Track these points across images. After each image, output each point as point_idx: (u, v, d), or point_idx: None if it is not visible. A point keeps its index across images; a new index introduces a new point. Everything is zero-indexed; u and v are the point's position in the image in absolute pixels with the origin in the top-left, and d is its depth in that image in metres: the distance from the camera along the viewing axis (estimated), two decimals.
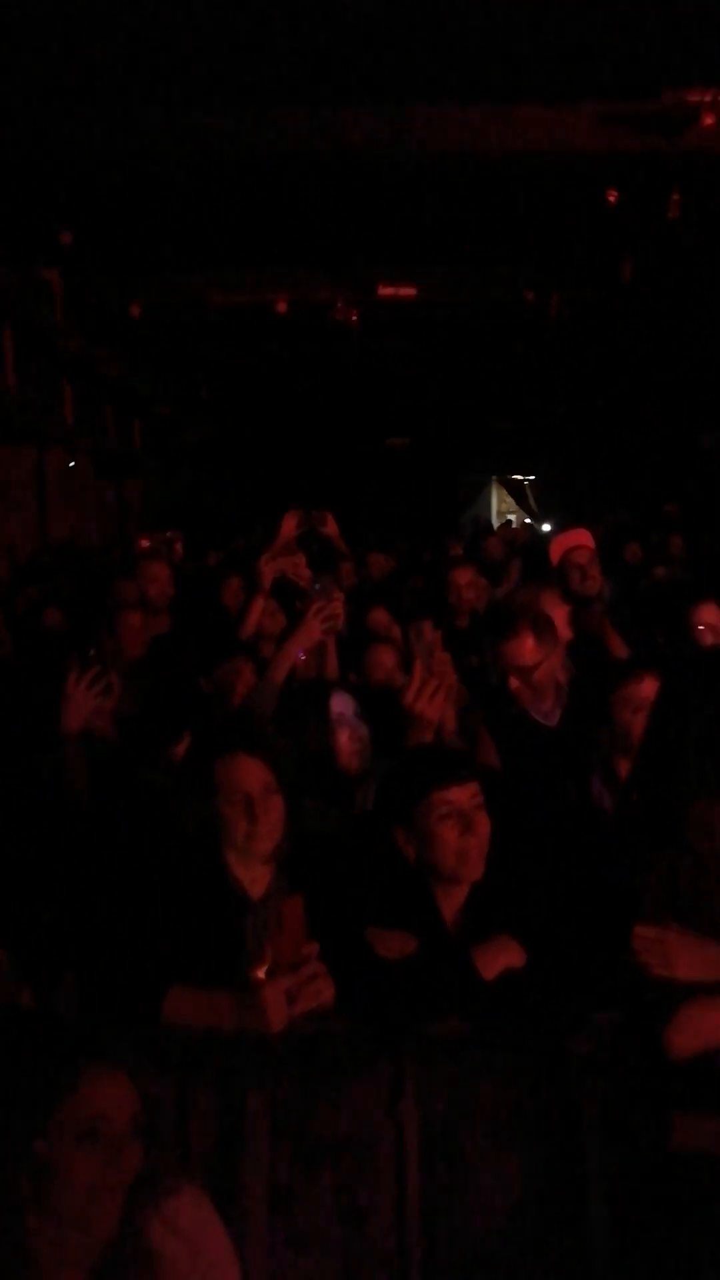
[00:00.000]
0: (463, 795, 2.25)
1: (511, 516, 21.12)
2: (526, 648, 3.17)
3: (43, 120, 6.41)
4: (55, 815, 3.09)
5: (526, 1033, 2.00)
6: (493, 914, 2.23)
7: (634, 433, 17.00)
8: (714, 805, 1.96)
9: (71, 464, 13.01)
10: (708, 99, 6.17)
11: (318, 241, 9.00)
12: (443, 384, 16.05)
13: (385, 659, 3.88)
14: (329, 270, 10.41)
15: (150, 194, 7.78)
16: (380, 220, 8.47)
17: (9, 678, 4.50)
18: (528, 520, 20.11)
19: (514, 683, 3.17)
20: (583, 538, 4.66)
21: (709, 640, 3.74)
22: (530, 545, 9.22)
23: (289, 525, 4.06)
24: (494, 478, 22.82)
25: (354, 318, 11.30)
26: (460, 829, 2.23)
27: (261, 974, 2.00)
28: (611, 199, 7.59)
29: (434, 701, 2.65)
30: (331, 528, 4.62)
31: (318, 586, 3.91)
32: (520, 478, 22.42)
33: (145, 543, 9.70)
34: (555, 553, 4.62)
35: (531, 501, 22.02)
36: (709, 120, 6.24)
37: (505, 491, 23.14)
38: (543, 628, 3.23)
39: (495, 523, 18.95)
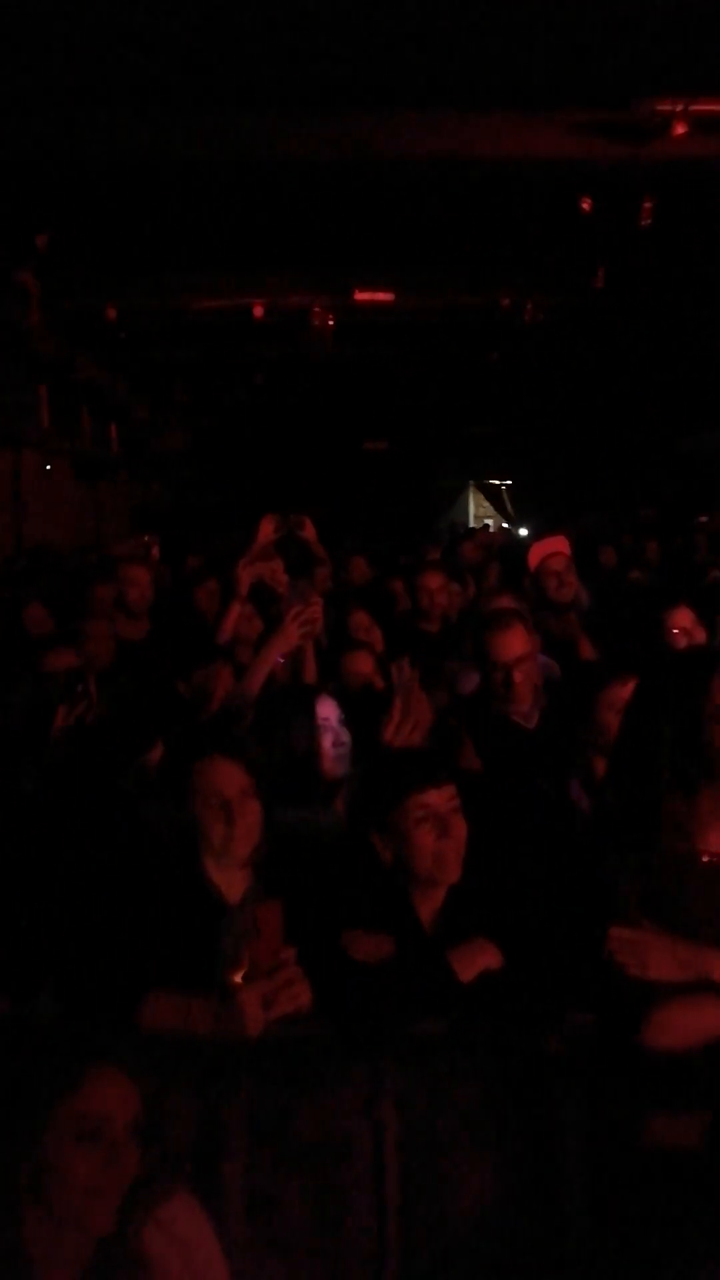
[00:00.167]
0: (439, 798, 2.26)
1: (489, 521, 21.18)
2: (518, 638, 3.24)
3: (18, 123, 6.38)
4: (34, 822, 3.08)
5: (504, 1034, 2.01)
6: (470, 916, 2.23)
7: (610, 437, 17.14)
8: (688, 805, 1.99)
9: (48, 467, 12.94)
10: (679, 108, 6.23)
11: (295, 246, 9.00)
12: (419, 389, 16.10)
13: (362, 665, 3.89)
14: (306, 275, 10.41)
15: (127, 197, 7.76)
16: (357, 226, 8.49)
17: None
18: (504, 525, 20.20)
19: (518, 677, 3.21)
20: (560, 545, 4.73)
21: (682, 643, 3.78)
22: (506, 549, 9.27)
23: (266, 530, 4.06)
24: (471, 482, 22.89)
25: (330, 322, 11.32)
26: (437, 832, 2.24)
27: (239, 978, 2.00)
28: (586, 207, 7.67)
29: (411, 739, 2.77)
30: (309, 532, 4.62)
31: (295, 591, 3.91)
32: (497, 482, 22.50)
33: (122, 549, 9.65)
34: (533, 559, 4.69)
35: (508, 506, 22.11)
36: (680, 129, 6.30)
37: (482, 496, 23.21)
38: (529, 622, 3.31)
39: (472, 526, 19.00)
